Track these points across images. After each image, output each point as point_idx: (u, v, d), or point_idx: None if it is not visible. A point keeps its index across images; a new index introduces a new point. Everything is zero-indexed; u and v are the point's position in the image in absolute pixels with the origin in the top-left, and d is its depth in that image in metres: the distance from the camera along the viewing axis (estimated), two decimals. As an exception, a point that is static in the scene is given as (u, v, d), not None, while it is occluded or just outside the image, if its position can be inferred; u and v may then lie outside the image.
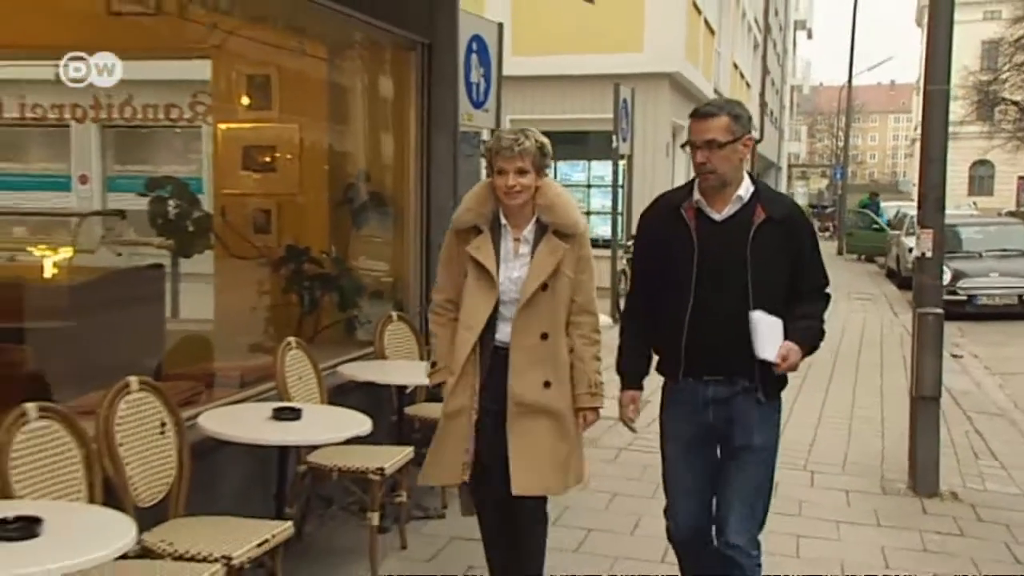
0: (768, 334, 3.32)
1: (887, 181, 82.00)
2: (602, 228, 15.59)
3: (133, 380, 3.78)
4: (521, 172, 3.56)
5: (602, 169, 16.31)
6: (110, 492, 3.49)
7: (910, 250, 14.69)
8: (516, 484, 3.60)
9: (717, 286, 3.37)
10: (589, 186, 17.53)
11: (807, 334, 3.45)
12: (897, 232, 21.68)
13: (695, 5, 18.72)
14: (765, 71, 35.07)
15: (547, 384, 3.65)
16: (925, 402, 6.24)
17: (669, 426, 3.62)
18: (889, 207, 27.73)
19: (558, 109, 16.58)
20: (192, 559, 3.42)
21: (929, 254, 6.27)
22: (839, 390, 9.52)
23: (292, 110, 6.94)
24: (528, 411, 3.63)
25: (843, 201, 34.14)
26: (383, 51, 7.05)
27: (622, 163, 14.24)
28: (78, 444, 3.41)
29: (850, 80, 35.19)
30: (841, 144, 43.19)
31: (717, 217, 3.42)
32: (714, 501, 3.55)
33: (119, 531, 2.89)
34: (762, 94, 34.23)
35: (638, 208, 15.94)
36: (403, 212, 7.07)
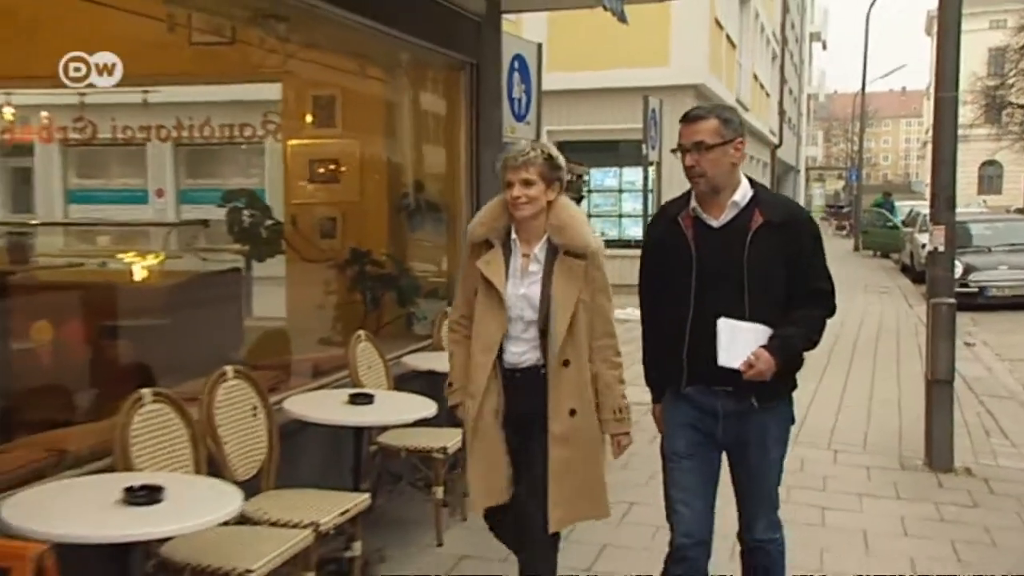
0: (734, 341, 3.10)
1: (900, 182, 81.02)
2: (633, 229, 15.78)
3: (229, 369, 3.98)
4: (527, 183, 3.26)
5: (633, 175, 16.43)
6: (212, 466, 3.68)
7: (923, 246, 14.67)
8: (554, 520, 3.35)
9: (716, 293, 3.15)
10: (621, 191, 17.67)
11: (785, 343, 3.15)
12: (911, 229, 21.56)
13: (717, 22, 18.74)
14: (783, 81, 34.88)
15: (572, 412, 3.35)
16: (939, 385, 6.32)
17: (672, 432, 3.37)
18: (903, 206, 27.53)
19: (592, 120, 16.70)
20: (285, 525, 3.60)
21: (941, 248, 6.36)
22: (859, 376, 9.58)
23: (354, 126, 7.13)
24: (558, 442, 3.34)
25: (859, 201, 33.98)
26: (436, 71, 7.22)
27: (651, 169, 14.33)
28: (185, 424, 3.61)
29: (863, 89, 34.90)
30: (856, 148, 42.81)
31: (715, 224, 3.20)
32: (713, 507, 3.36)
33: (227, 499, 3.08)
34: (780, 102, 34.04)
35: (669, 210, 15.68)
36: (455, 217, 7.24)
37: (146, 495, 2.89)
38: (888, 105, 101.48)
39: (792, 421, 3.41)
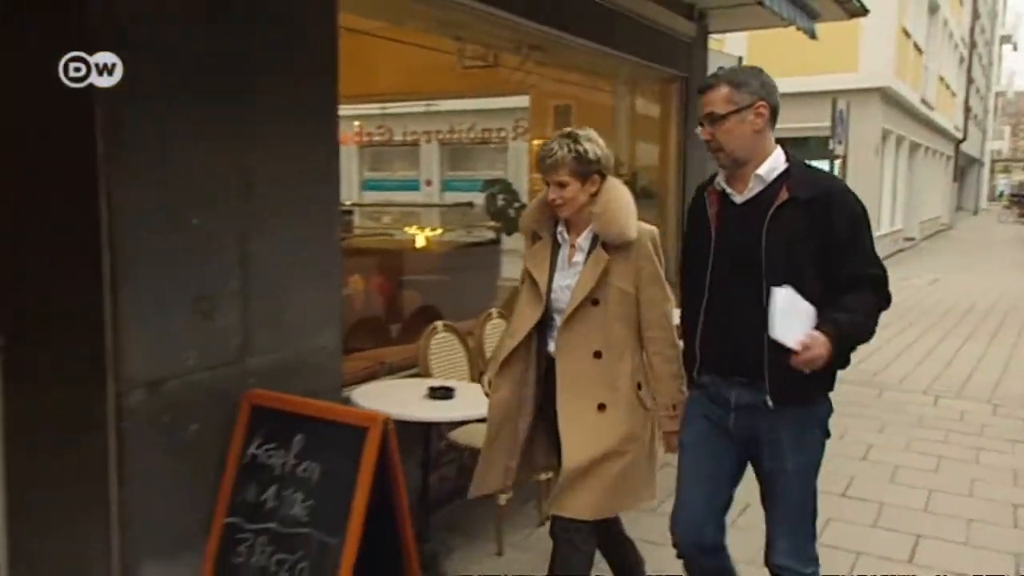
0: (790, 315, 2.24)
1: (1089, 174, 72.21)
2: (819, 215, 15.37)
3: (493, 311, 4.53)
4: (561, 185, 2.67)
5: (819, 167, 15.98)
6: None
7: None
8: (563, 506, 2.68)
9: (732, 274, 2.42)
10: (809, 182, 17.25)
11: (843, 330, 2.26)
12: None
13: (904, 30, 17.67)
14: (970, 81, 32.12)
15: (601, 407, 2.65)
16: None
17: (685, 422, 2.63)
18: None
19: (785, 119, 16.09)
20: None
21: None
22: (1026, 343, 9.03)
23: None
24: (582, 437, 2.65)
25: (1042, 191, 30.90)
26: (652, 83, 7.47)
27: (837, 162, 13.96)
28: (464, 348, 4.18)
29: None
30: (1042, 142, 38.72)
31: (738, 200, 2.46)
32: (724, 510, 2.58)
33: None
34: (966, 100, 31.40)
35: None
36: (665, 202, 7.49)
37: (443, 392, 3.45)
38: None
39: (823, 429, 2.49)
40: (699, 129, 2.49)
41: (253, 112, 2.99)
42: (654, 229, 2.74)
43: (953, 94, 27.98)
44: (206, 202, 2.86)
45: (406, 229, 8.23)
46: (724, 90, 2.42)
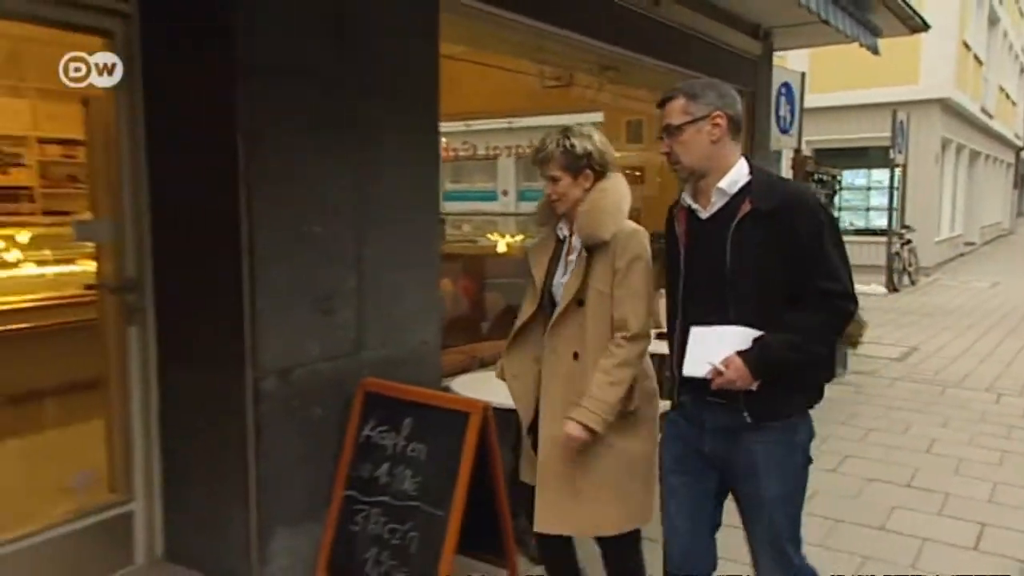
0: (705, 347, 2.18)
1: None
2: (879, 220, 15.08)
3: (575, 310, 4.62)
4: (553, 179, 2.53)
5: (880, 175, 15.67)
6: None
7: None
8: (537, 520, 2.56)
9: (702, 293, 2.25)
10: (869, 188, 16.88)
11: (764, 351, 2.14)
12: None
13: (965, 43, 17.08)
14: (1030, 89, 30.73)
15: None
16: None
17: (664, 448, 2.42)
18: None
19: (846, 130, 15.96)
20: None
21: None
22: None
23: (656, 141, 7.57)
24: (550, 441, 2.50)
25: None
26: (719, 98, 7.47)
27: (897, 170, 13.61)
28: (549, 345, 4.29)
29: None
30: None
31: (703, 215, 2.28)
32: (712, 533, 2.41)
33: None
34: (1027, 108, 30.06)
35: (910, 204, 15.21)
36: (731, 210, 7.49)
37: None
38: None
39: (804, 455, 2.28)
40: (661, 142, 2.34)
41: (368, 130, 3.17)
42: (640, 229, 2.52)
43: (1014, 103, 26.86)
44: (328, 211, 3.04)
45: (488, 236, 8.38)
46: (680, 101, 2.26)
